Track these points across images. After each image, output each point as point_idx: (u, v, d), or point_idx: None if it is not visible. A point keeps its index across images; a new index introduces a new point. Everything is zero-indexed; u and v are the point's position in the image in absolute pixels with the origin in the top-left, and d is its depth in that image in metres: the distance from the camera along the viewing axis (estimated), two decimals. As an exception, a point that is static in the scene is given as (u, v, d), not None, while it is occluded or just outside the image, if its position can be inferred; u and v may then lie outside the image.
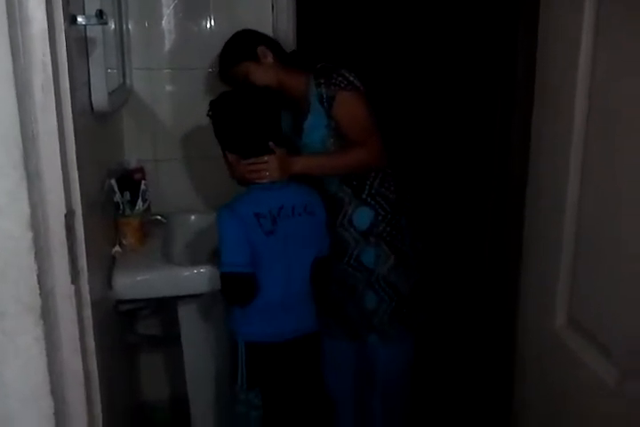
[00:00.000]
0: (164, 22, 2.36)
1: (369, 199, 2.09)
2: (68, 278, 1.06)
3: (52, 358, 1.03)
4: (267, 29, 2.29)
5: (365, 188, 2.09)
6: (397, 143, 2.23)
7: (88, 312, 1.16)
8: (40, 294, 0.98)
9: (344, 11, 3.77)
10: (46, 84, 0.97)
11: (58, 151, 1.01)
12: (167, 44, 2.38)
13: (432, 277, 2.34)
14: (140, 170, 2.29)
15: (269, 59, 2.06)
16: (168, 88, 2.43)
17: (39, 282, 0.98)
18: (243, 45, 2.09)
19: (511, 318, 1.36)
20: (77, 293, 1.10)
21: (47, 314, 1.01)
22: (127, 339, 2.24)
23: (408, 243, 2.15)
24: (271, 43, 2.12)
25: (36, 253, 0.97)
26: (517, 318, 1.32)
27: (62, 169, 1.02)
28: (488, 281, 2.84)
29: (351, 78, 2.01)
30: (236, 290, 1.86)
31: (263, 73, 2.04)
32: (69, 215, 1.05)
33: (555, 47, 1.22)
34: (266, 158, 1.85)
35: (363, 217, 2.10)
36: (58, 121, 1.00)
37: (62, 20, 1.02)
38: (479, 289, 3.03)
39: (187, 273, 1.97)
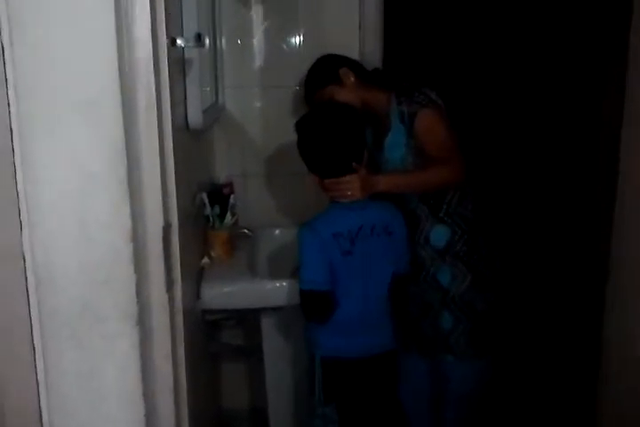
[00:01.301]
0: (255, 42, 2.45)
1: (446, 218, 2.10)
2: (163, 288, 1.11)
3: (146, 363, 1.08)
4: (354, 49, 2.35)
5: (443, 206, 2.10)
6: (477, 161, 2.22)
7: (180, 320, 1.21)
8: (137, 302, 1.04)
9: (431, 31, 3.79)
10: (150, 104, 1.03)
11: (158, 167, 1.06)
12: (257, 63, 2.47)
13: (511, 297, 2.31)
14: (230, 185, 2.36)
15: (352, 79, 2.10)
16: (257, 105, 2.50)
17: (137, 291, 1.03)
18: (325, 70, 2.14)
19: (595, 342, 1.34)
20: (171, 301, 1.15)
21: (143, 321, 1.06)
22: (211, 348, 2.31)
23: (485, 263, 2.13)
24: (352, 64, 2.16)
25: (135, 264, 1.02)
26: (601, 342, 1.30)
27: (162, 184, 1.07)
28: (571, 302, 2.78)
29: (432, 96, 2.04)
30: (314, 307, 1.89)
31: (347, 94, 2.07)
32: (167, 228, 1.10)
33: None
34: (348, 178, 1.87)
35: (439, 235, 2.10)
36: (159, 139, 1.06)
37: (165, 42, 1.08)
38: (561, 310, 2.98)
39: (269, 286, 2.03)
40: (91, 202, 0.97)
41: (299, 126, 1.93)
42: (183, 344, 1.23)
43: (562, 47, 3.49)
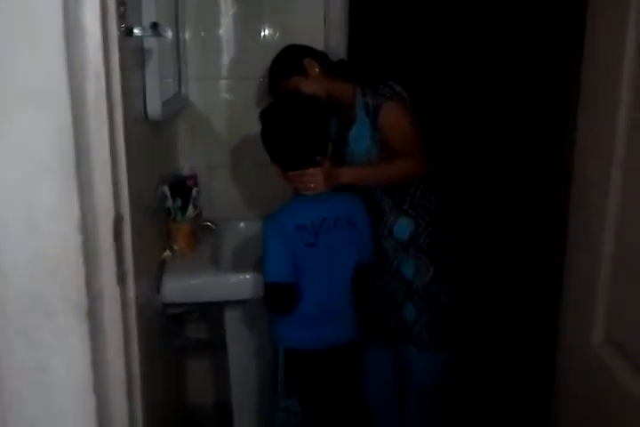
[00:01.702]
0: (219, 33, 2.43)
1: (410, 210, 2.11)
2: (115, 280, 1.10)
3: (96, 358, 1.06)
4: (318, 41, 2.34)
5: (407, 199, 2.11)
6: (441, 154, 2.23)
7: (133, 314, 1.20)
8: (87, 295, 1.02)
9: (395, 23, 3.81)
10: (99, 95, 1.01)
11: (109, 159, 1.04)
12: (222, 55, 2.45)
13: (474, 290, 2.34)
14: (194, 177, 2.34)
15: (316, 70, 2.09)
16: (222, 97, 2.49)
17: (87, 283, 1.02)
18: (290, 60, 2.13)
19: (552, 332, 1.36)
20: (123, 294, 1.14)
21: (93, 314, 1.05)
22: (174, 342, 2.29)
23: (448, 255, 2.15)
24: (317, 54, 2.15)
25: (84, 256, 1.01)
26: (558, 332, 1.31)
27: (112, 176, 1.06)
28: (531, 294, 2.82)
29: (397, 89, 2.04)
30: (278, 299, 1.89)
31: (312, 85, 2.06)
32: (118, 220, 1.09)
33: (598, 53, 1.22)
34: (311, 171, 1.87)
35: (403, 228, 2.11)
36: (109, 130, 1.04)
37: (116, 33, 1.07)
38: (522, 301, 3.02)
39: (233, 279, 2.02)
40: (39, 191, 0.96)
41: (263, 117, 1.92)
42: (137, 338, 1.22)
43: (528, 36, 3.52)
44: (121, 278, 1.13)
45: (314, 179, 1.87)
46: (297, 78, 2.08)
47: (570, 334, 1.27)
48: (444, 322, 2.15)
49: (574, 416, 1.28)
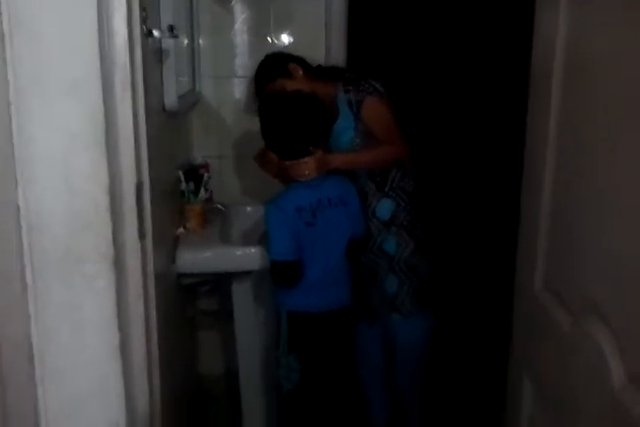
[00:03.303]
0: (231, 37, 2.68)
1: (390, 192, 2.33)
2: (137, 236, 1.33)
3: (120, 300, 1.28)
4: (320, 46, 2.59)
5: (387, 182, 2.33)
6: (416, 144, 2.47)
7: (151, 267, 1.42)
8: (114, 246, 1.25)
9: (391, 30, 4.09)
10: (125, 82, 1.25)
11: (132, 134, 1.28)
12: (233, 56, 2.69)
13: (449, 261, 2.53)
14: (205, 165, 2.59)
15: (300, 72, 2.31)
16: (233, 94, 2.73)
17: (113, 237, 1.25)
18: (275, 64, 2.35)
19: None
20: (143, 248, 1.37)
21: (118, 263, 1.28)
22: (188, 312, 2.52)
23: (426, 231, 2.38)
24: (298, 60, 2.36)
25: (111, 214, 1.24)
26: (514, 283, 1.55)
27: (135, 148, 1.29)
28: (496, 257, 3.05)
29: (376, 85, 2.27)
30: (284, 275, 2.12)
31: (297, 85, 2.27)
32: (139, 185, 1.32)
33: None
34: (306, 159, 2.09)
35: (385, 208, 2.34)
36: (133, 111, 1.28)
37: (139, 33, 1.30)
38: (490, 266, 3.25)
39: (239, 252, 2.26)
40: (75, 159, 1.18)
41: (261, 111, 2.13)
42: (154, 287, 1.45)
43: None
44: (142, 236, 1.36)
45: (307, 167, 2.09)
46: (282, 80, 2.30)
47: (520, 283, 1.50)
48: (425, 290, 2.38)
49: (525, 359, 1.50)
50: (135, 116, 1.30)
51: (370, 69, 2.40)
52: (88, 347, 1.28)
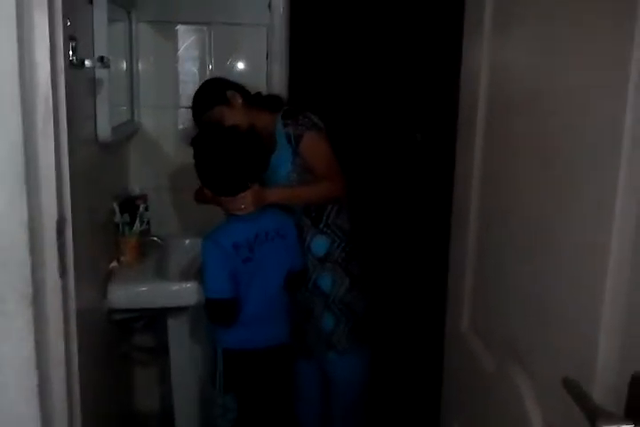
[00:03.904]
0: (171, 66, 2.65)
1: (325, 229, 2.30)
2: (57, 274, 1.29)
3: (39, 339, 1.24)
4: (261, 75, 2.58)
5: (323, 219, 2.30)
6: (355, 179, 2.46)
7: (72, 304, 1.37)
8: (32, 284, 1.21)
9: (332, 58, 4.13)
10: (46, 115, 1.22)
11: (53, 169, 1.24)
12: (173, 85, 2.66)
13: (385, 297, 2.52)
14: (143, 197, 2.54)
15: (239, 101, 2.27)
16: (173, 124, 2.70)
17: (32, 274, 1.21)
18: (213, 91, 2.29)
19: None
20: (64, 286, 1.32)
21: (37, 301, 1.23)
22: (122, 347, 2.45)
23: (361, 267, 2.36)
24: (237, 87, 2.32)
25: (30, 250, 1.20)
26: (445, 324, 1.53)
27: (57, 183, 1.26)
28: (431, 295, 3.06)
29: (315, 120, 2.25)
30: (220, 313, 2.08)
31: (235, 114, 2.24)
32: (60, 221, 1.28)
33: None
34: (242, 194, 2.05)
35: (319, 245, 2.31)
36: (55, 144, 1.25)
37: (62, 65, 1.27)
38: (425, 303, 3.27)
39: (175, 287, 2.21)
40: (-9, 195, 1.15)
41: (195, 146, 2.07)
42: (76, 325, 1.40)
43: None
44: (63, 273, 1.32)
45: (244, 201, 2.06)
46: (220, 109, 2.24)
47: (450, 324, 1.49)
48: (361, 327, 2.35)
49: (455, 402, 1.49)
50: (57, 149, 1.26)
51: (311, 98, 2.38)
52: (6, 388, 1.23)
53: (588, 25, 0.89)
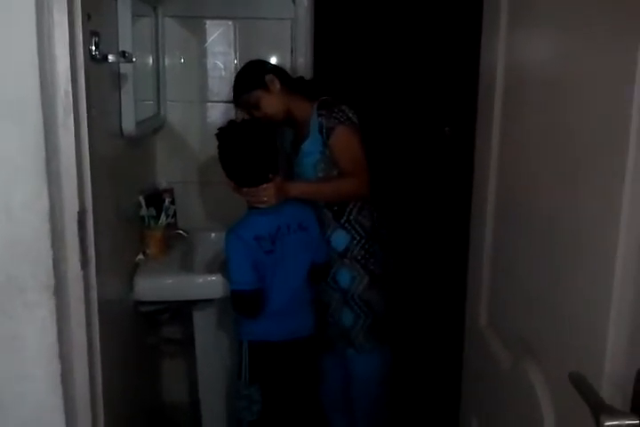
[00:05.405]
0: (196, 61, 2.67)
1: (346, 224, 2.29)
2: (78, 265, 1.31)
3: (62, 328, 1.26)
4: (286, 68, 2.56)
5: (345, 214, 2.29)
6: (380, 177, 2.44)
7: (94, 294, 1.40)
8: (55, 275, 1.23)
9: (357, 52, 4.10)
10: (67, 108, 1.24)
11: (74, 161, 1.26)
12: (198, 80, 2.68)
13: (404, 295, 2.49)
14: (170, 190, 2.56)
15: (277, 86, 2.26)
16: (198, 119, 2.71)
17: (54, 265, 1.23)
18: (253, 75, 2.29)
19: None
20: (86, 277, 1.34)
21: (59, 292, 1.25)
22: (149, 339, 2.48)
23: (380, 265, 2.33)
24: (278, 71, 2.32)
25: (52, 242, 1.22)
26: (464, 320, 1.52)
27: (78, 175, 1.28)
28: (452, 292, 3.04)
29: (350, 115, 2.23)
30: (245, 305, 2.09)
31: (272, 99, 2.25)
32: (82, 213, 1.30)
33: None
34: (264, 186, 2.06)
35: (339, 239, 2.30)
36: (75, 138, 1.27)
37: (82, 59, 1.29)
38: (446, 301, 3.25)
39: (201, 280, 2.23)
40: (15, 188, 1.17)
41: (219, 137, 2.09)
42: (98, 316, 1.42)
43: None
44: (84, 264, 1.34)
45: (266, 193, 2.06)
46: (258, 92, 2.25)
47: (469, 320, 1.48)
48: (379, 326, 2.34)
49: (474, 398, 1.48)
50: (78, 142, 1.28)
51: (336, 92, 2.36)
52: (29, 377, 1.25)
53: (603, 19, 0.87)
